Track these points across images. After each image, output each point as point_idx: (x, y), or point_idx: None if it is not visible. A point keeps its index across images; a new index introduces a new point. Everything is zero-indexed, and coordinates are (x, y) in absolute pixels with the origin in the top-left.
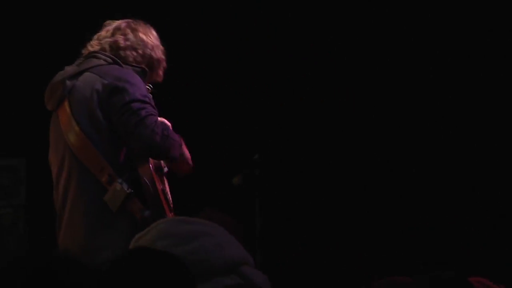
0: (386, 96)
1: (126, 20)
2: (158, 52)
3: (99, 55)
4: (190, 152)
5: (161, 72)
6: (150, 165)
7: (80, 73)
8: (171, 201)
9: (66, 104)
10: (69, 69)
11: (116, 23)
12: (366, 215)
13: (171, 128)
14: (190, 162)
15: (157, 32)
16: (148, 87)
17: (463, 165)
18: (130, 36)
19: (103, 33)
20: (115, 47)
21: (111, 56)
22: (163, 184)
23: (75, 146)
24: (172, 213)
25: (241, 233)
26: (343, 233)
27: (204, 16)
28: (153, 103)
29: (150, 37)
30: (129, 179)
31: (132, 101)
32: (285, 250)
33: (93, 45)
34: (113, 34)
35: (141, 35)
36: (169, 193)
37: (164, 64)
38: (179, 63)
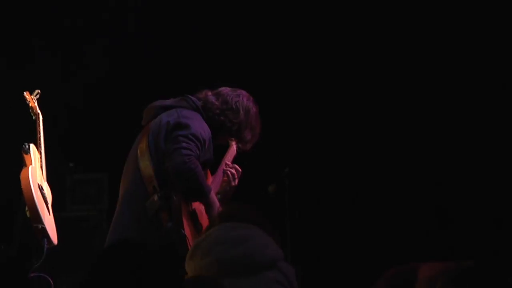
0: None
1: (236, 90)
2: (242, 129)
3: (189, 100)
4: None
5: (240, 144)
6: None
7: (171, 107)
8: (201, 222)
9: (149, 125)
10: (167, 102)
11: (227, 88)
12: (386, 224)
13: (203, 176)
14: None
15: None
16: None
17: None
18: (227, 100)
19: (220, 88)
20: (207, 101)
21: (198, 104)
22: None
23: (142, 160)
24: (195, 232)
25: (272, 230)
26: (364, 239)
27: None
28: (201, 147)
29: (245, 116)
30: (164, 195)
31: (183, 135)
32: (312, 249)
33: (199, 93)
34: (216, 93)
35: (235, 106)
36: (200, 215)
37: (245, 139)
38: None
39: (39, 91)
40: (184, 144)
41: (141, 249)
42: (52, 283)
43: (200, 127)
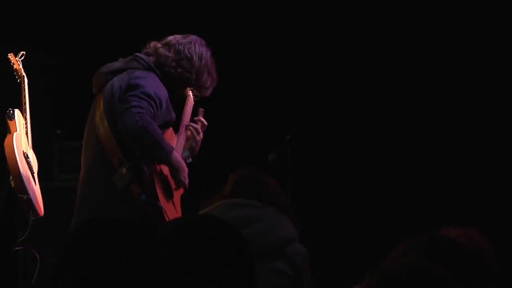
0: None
1: (187, 36)
2: (200, 75)
3: (140, 59)
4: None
5: (200, 92)
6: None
7: (122, 70)
8: (174, 188)
9: (102, 95)
10: (116, 65)
11: (176, 36)
12: (392, 191)
13: (159, 133)
14: (182, 177)
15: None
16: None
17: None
18: (180, 50)
19: (168, 38)
20: (159, 55)
21: (149, 62)
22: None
23: (101, 135)
24: (170, 201)
25: (285, 200)
26: (369, 207)
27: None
28: (156, 104)
29: (199, 61)
30: (132, 166)
31: (133, 95)
32: (314, 220)
33: (148, 47)
34: (166, 44)
35: (188, 53)
36: (170, 180)
37: (205, 85)
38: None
39: (24, 53)
40: (134, 103)
41: (115, 226)
42: (38, 257)
43: (153, 85)
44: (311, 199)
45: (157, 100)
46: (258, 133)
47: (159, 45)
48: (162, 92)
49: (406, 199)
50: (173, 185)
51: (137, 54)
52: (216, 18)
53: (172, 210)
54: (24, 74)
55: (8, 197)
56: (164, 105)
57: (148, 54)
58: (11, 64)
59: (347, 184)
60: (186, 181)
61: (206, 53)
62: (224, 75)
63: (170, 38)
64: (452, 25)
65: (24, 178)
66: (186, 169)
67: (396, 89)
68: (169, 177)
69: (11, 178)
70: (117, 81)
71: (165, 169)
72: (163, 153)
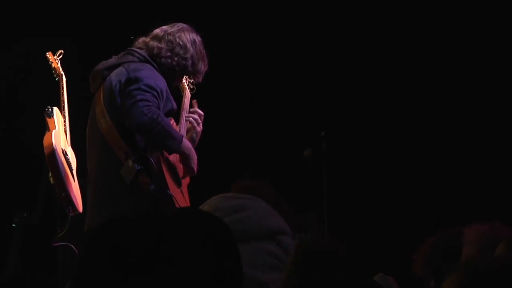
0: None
1: (173, 25)
2: (196, 61)
3: (135, 52)
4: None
5: (197, 78)
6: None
7: (117, 65)
8: (181, 176)
9: (101, 92)
10: (110, 61)
11: (163, 27)
12: (427, 186)
13: (169, 124)
14: (193, 165)
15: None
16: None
17: None
18: (171, 40)
19: (155, 31)
20: (151, 48)
21: (144, 55)
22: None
23: (104, 129)
24: (179, 189)
25: (285, 206)
26: (403, 202)
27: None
28: (158, 95)
29: (192, 46)
30: (139, 158)
31: (135, 89)
32: (348, 214)
33: (137, 44)
34: (154, 37)
35: (180, 41)
36: (178, 168)
37: (200, 71)
38: (253, 46)
39: (62, 51)
40: (139, 97)
41: (133, 224)
42: (76, 253)
43: (152, 76)
44: (345, 194)
45: (158, 91)
46: (294, 129)
47: (147, 39)
48: (161, 82)
49: (444, 195)
50: (180, 174)
51: (130, 48)
52: (246, 18)
53: (181, 199)
54: (62, 72)
55: (47, 194)
56: (164, 95)
57: (139, 49)
58: (50, 62)
59: (381, 179)
60: (196, 168)
61: (196, 37)
62: (261, 73)
63: (157, 30)
64: (456, 23)
65: (63, 175)
66: (195, 156)
67: (432, 85)
68: (176, 166)
69: (50, 175)
70: (114, 76)
71: (172, 158)
72: (175, 142)
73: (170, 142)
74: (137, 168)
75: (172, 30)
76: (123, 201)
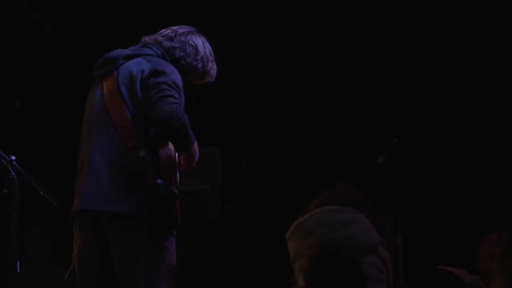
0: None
1: (182, 26)
2: (206, 63)
3: (152, 47)
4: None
5: (203, 79)
6: (170, 145)
7: (133, 56)
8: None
9: (114, 76)
10: (125, 51)
11: (172, 27)
12: (499, 193)
13: (189, 125)
14: (194, 163)
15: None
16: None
17: None
18: (184, 40)
19: (163, 31)
20: (164, 46)
21: (162, 51)
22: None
23: (114, 112)
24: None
25: (372, 210)
26: (475, 208)
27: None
28: (180, 93)
29: (203, 48)
30: (150, 150)
31: (163, 82)
32: (420, 217)
33: (150, 38)
34: (165, 36)
35: (192, 42)
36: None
37: (210, 72)
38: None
39: None
40: (168, 92)
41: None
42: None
43: (175, 73)
44: (418, 199)
45: (181, 88)
46: (368, 137)
47: (160, 38)
48: (181, 81)
49: None
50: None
51: (147, 42)
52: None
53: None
54: None
55: None
56: (183, 94)
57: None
58: None
59: (453, 185)
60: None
61: (205, 40)
62: (337, 83)
63: (167, 31)
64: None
65: None
66: (198, 155)
67: (506, 92)
68: (177, 164)
69: None
70: (134, 65)
71: (175, 156)
72: (189, 143)
73: (186, 142)
74: (147, 159)
75: (183, 31)
76: (133, 187)
